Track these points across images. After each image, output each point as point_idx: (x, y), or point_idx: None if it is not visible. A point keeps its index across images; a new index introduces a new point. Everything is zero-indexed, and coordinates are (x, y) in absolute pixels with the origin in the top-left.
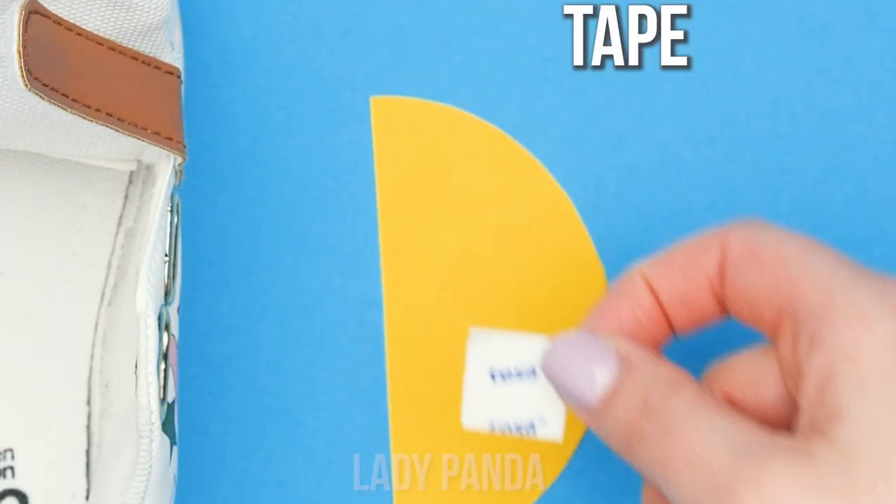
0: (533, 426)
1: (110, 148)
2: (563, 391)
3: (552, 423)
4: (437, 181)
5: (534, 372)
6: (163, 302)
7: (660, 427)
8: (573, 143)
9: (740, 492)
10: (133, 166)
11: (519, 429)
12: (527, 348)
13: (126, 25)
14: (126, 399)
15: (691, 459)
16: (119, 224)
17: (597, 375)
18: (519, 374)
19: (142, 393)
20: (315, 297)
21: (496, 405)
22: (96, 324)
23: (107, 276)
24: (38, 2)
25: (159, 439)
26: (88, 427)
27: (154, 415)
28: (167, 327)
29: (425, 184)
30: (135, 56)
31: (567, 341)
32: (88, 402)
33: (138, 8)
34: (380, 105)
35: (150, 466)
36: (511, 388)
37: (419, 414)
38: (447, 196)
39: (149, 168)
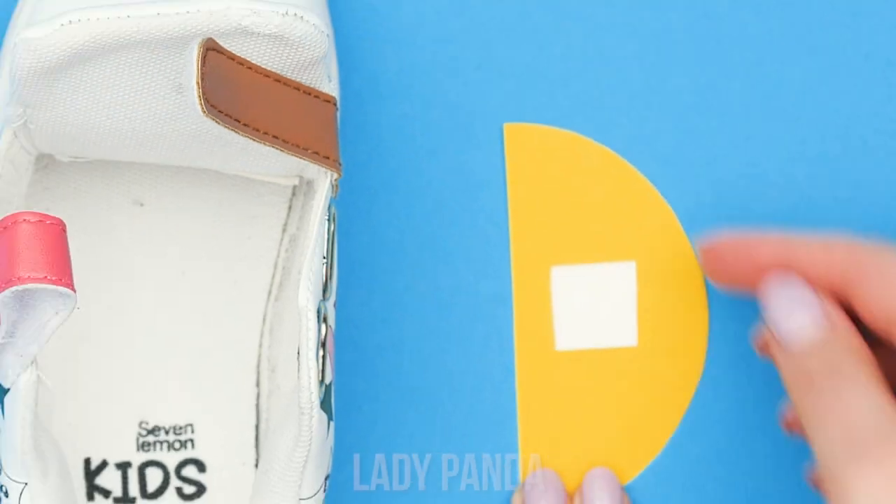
0: (612, 338)
1: (276, 165)
2: (772, 322)
3: (629, 333)
4: (563, 199)
5: (610, 295)
6: (321, 297)
7: (831, 384)
8: (678, 163)
9: (867, 465)
10: (296, 181)
11: (601, 342)
12: (605, 275)
13: (290, 61)
14: (290, 381)
15: (845, 418)
16: (284, 231)
17: (800, 319)
18: (598, 298)
19: (303, 376)
20: (450, 294)
21: (582, 327)
22: (264, 317)
23: (273, 275)
24: (213, 39)
25: (318, 416)
26: (258, 405)
27: (314, 395)
28: (325, 319)
29: (551, 201)
30: (297, 87)
31: (787, 280)
32: (258, 384)
33: (300, 45)
34: (512, 131)
35: (311, 439)
36: (591, 309)
37: (545, 409)
38: (571, 213)
39: (309, 183)
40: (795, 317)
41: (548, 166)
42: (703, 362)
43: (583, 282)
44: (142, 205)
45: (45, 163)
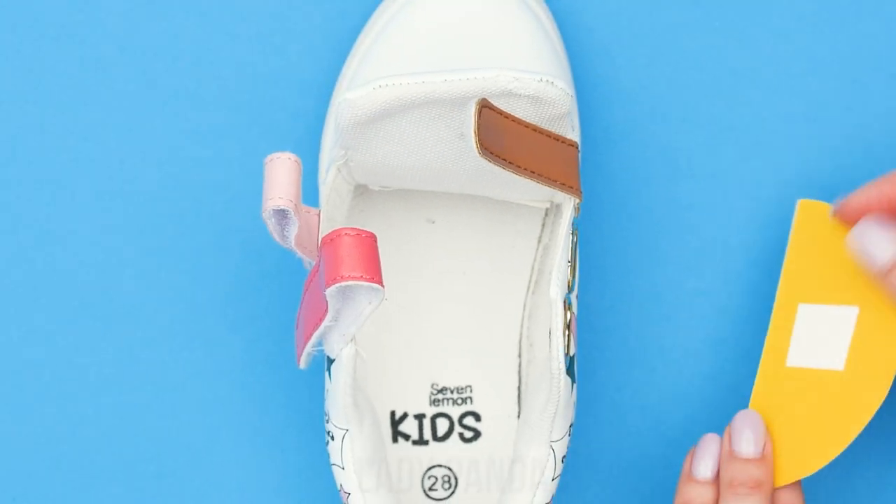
0: (826, 361)
1: (533, 193)
2: (865, 257)
3: (838, 359)
4: (818, 262)
5: (832, 330)
6: (567, 291)
7: None
8: None
9: None
10: (548, 205)
11: (817, 364)
12: (834, 315)
13: (543, 115)
14: (543, 354)
15: None
16: (539, 242)
17: (881, 251)
18: (825, 331)
19: (553, 350)
20: (663, 289)
21: (808, 351)
22: (524, 305)
23: (531, 275)
24: (487, 99)
25: (564, 380)
26: (519, 371)
27: (561, 364)
28: (569, 307)
29: (812, 262)
30: (549, 134)
31: (867, 222)
32: (519, 356)
33: (551, 104)
34: (805, 207)
35: (559, 397)
36: (817, 338)
37: (771, 402)
38: (820, 269)
39: (557, 206)
40: (879, 246)
41: (829, 246)
42: (886, 391)
43: (818, 317)
44: (433, 222)
45: (360, 191)
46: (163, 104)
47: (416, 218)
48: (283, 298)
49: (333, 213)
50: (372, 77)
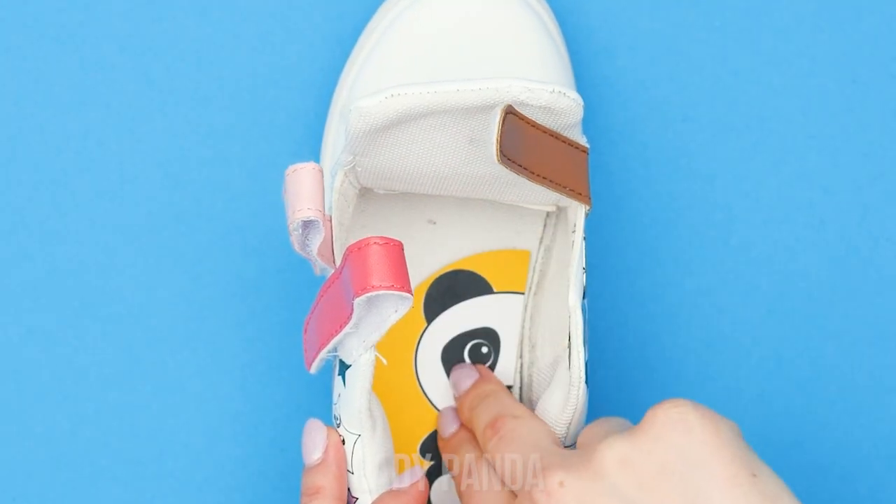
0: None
1: (541, 197)
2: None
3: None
4: None
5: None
6: (583, 297)
7: None
8: None
9: None
10: (553, 209)
11: None
12: None
13: (553, 125)
14: (545, 356)
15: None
16: (540, 243)
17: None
18: None
19: (574, 358)
20: (659, 290)
21: None
22: (525, 306)
23: (532, 276)
24: (512, 105)
25: (584, 388)
26: (521, 373)
27: (582, 373)
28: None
29: None
30: (564, 140)
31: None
32: (520, 357)
33: (563, 114)
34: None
35: (577, 405)
36: None
37: None
38: None
39: (561, 209)
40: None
41: None
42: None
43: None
44: (434, 223)
45: (362, 192)
46: (163, 104)
47: (417, 219)
48: (283, 298)
49: (341, 217)
50: (373, 77)
